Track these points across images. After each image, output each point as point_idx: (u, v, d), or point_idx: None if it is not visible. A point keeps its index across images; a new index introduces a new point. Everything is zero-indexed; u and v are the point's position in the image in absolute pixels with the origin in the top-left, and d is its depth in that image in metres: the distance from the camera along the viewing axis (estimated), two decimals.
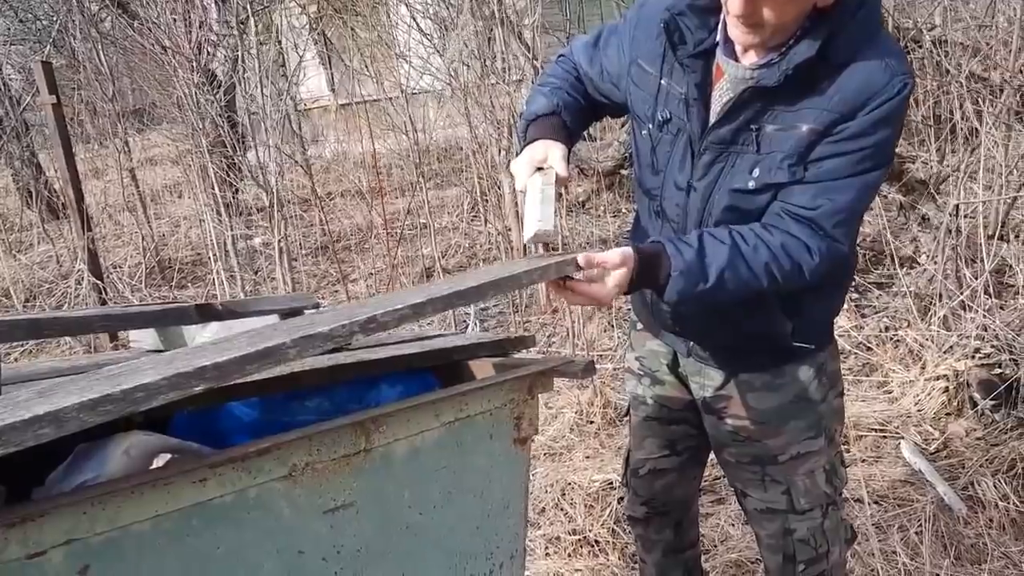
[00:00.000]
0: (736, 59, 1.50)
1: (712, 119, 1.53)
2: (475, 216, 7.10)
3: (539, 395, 1.46)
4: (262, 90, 3.97)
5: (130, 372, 0.94)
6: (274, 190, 3.89)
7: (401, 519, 1.25)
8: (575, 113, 1.72)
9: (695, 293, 1.46)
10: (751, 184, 1.50)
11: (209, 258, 5.13)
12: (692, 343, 1.77)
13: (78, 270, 4.80)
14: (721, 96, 1.53)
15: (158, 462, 1.22)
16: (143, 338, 1.75)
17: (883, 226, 4.32)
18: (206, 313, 1.35)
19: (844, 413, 1.84)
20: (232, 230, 4.32)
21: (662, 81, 1.59)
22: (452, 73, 5.58)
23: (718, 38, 1.51)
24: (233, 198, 5.22)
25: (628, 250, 1.45)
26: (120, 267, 6.09)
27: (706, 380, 1.78)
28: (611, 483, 3.12)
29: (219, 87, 4.97)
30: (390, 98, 5.77)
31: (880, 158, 1.46)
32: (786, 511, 1.78)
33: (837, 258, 1.51)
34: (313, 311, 1.52)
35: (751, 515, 1.86)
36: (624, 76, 1.67)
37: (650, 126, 1.63)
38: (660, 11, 1.55)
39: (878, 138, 1.43)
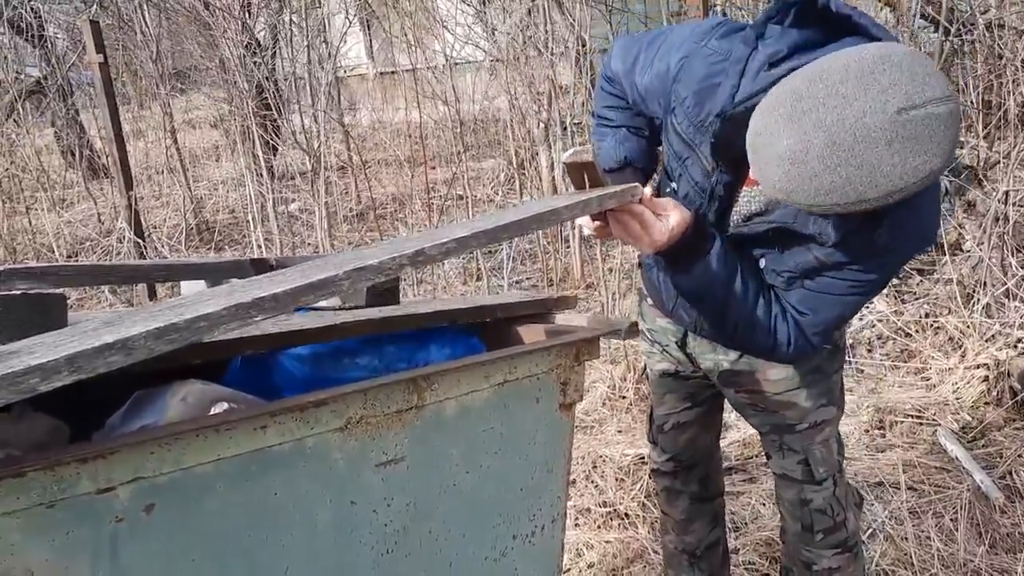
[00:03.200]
0: None
1: (734, 215, 1.56)
2: (511, 189, 7.09)
3: (585, 362, 1.47)
4: (308, 55, 3.98)
5: (192, 304, 0.95)
6: (319, 154, 3.92)
7: (449, 476, 1.27)
8: (643, 154, 1.74)
9: (702, 284, 1.48)
10: (755, 252, 1.55)
11: (247, 221, 5.18)
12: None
13: (120, 228, 4.87)
14: (750, 203, 1.53)
15: (215, 410, 1.24)
16: (193, 291, 1.78)
17: None
18: (261, 268, 1.37)
19: None
20: (272, 194, 4.36)
21: (690, 156, 1.55)
22: (494, 44, 5.55)
23: None
24: (273, 162, 5.25)
25: (682, 207, 1.45)
26: (159, 228, 6.16)
27: (719, 356, 1.79)
28: (643, 458, 3.13)
29: (264, 51, 4.99)
30: (430, 67, 5.76)
31: (877, 287, 1.51)
32: (802, 481, 1.81)
33: (803, 355, 1.57)
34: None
35: (774, 477, 1.91)
36: (659, 112, 1.61)
37: (674, 185, 1.62)
38: (708, 99, 1.47)
39: (879, 275, 1.47)
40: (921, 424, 3.23)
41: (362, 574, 1.16)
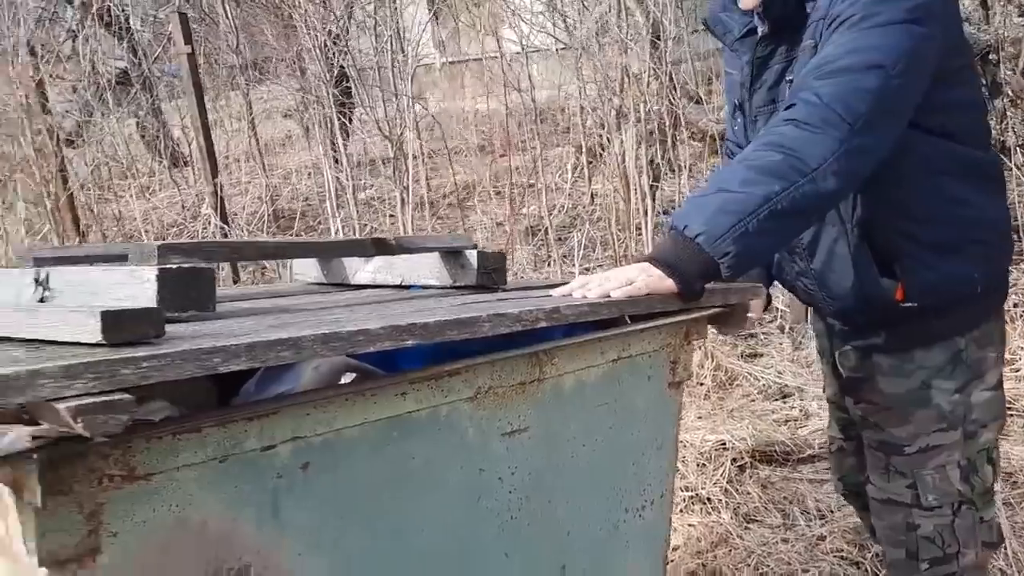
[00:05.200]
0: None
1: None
2: (579, 176, 7.09)
3: (693, 341, 1.50)
4: (392, 43, 4.06)
5: (352, 316, 1.11)
6: (401, 142, 4.01)
7: (567, 448, 1.31)
8: None
9: (718, 208, 1.37)
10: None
11: (324, 208, 5.29)
12: (834, 322, 1.77)
13: (205, 214, 5.03)
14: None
15: (345, 379, 1.30)
16: (306, 270, 1.85)
17: (1015, 199, 4.14)
18: (381, 247, 1.43)
19: (999, 408, 1.68)
20: (353, 180, 4.46)
21: (730, 74, 1.76)
22: (567, 31, 5.56)
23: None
24: (350, 149, 5.35)
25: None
26: (238, 215, 6.33)
27: (845, 360, 1.75)
28: (724, 443, 3.14)
29: (342, 40, 5.09)
30: (499, 55, 5.79)
31: (875, 19, 1.40)
32: (910, 505, 1.68)
33: (838, 101, 1.37)
34: (472, 249, 1.58)
35: (871, 505, 1.77)
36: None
37: (739, 119, 1.75)
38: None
39: (861, 8, 1.42)
40: (1011, 415, 3.16)
41: (488, 539, 1.21)
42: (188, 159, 6.86)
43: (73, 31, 7.02)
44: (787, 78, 1.55)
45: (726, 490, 2.90)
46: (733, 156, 1.87)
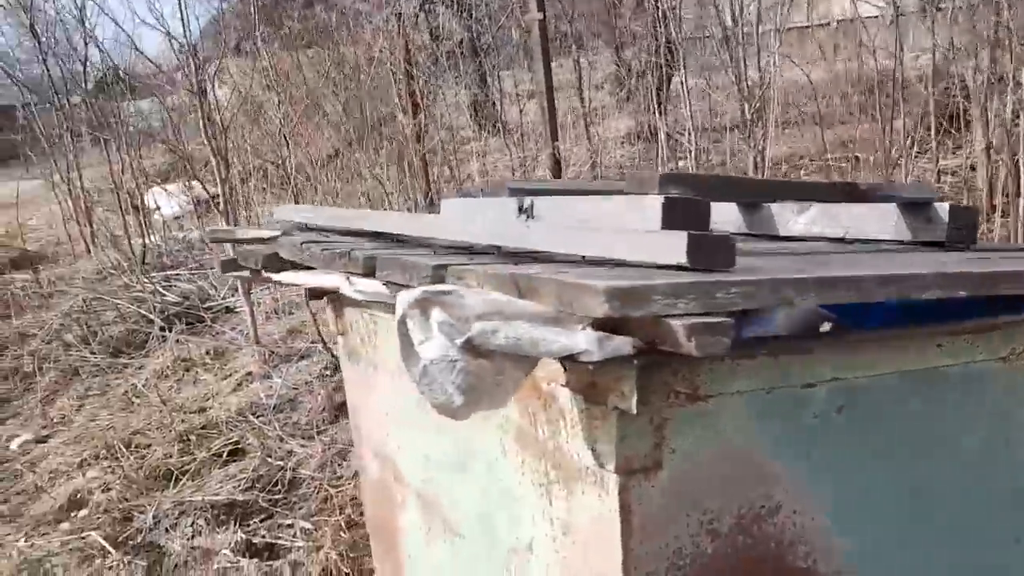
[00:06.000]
0: None
1: None
2: (920, 151, 6.45)
3: None
4: (757, 8, 3.91)
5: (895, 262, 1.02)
6: (760, 103, 3.86)
7: None
8: None
9: None
10: None
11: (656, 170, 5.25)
12: None
13: (540, 176, 5.20)
14: None
15: (824, 327, 1.22)
16: (724, 219, 1.79)
17: None
18: (853, 193, 1.32)
19: None
20: (696, 145, 4.38)
21: None
22: None
23: None
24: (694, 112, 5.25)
25: None
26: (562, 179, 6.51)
27: None
28: None
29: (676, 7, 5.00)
30: (857, 17, 5.38)
31: None
32: None
33: None
34: (940, 202, 1.42)
35: None
36: None
37: None
38: None
39: None
40: None
41: (999, 507, 1.08)
42: (516, 125, 7.16)
43: (421, 7, 7.59)
44: None
45: None
46: None
